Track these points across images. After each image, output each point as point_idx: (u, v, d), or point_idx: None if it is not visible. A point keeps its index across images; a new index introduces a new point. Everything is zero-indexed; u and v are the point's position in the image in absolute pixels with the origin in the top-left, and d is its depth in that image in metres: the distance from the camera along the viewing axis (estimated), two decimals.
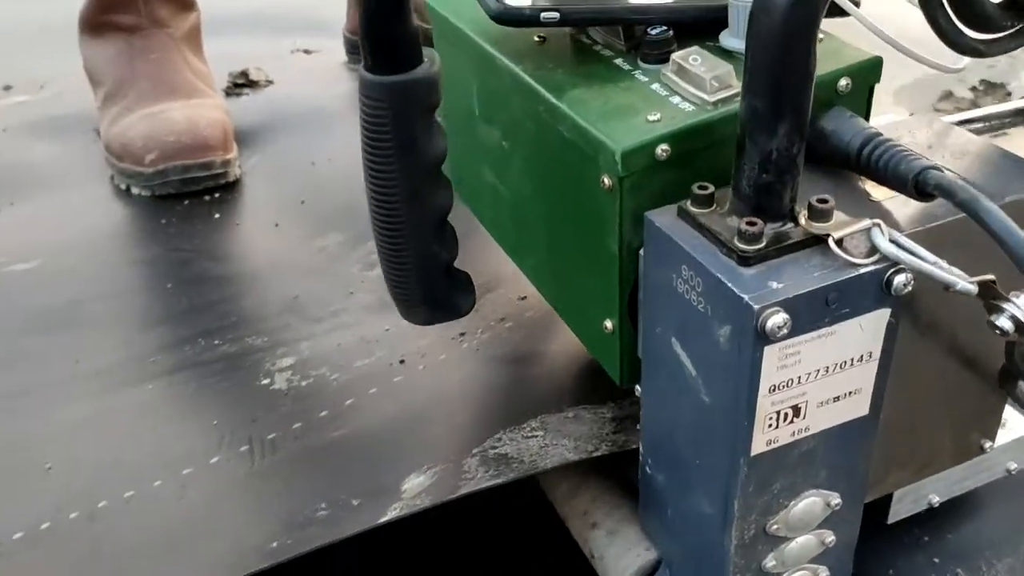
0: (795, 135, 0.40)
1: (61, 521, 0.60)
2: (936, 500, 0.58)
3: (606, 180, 0.47)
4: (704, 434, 0.46)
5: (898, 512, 0.58)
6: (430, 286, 0.52)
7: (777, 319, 0.39)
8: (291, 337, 0.76)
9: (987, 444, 0.56)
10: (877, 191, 0.46)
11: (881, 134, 0.45)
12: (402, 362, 0.71)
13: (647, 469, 0.54)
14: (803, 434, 0.45)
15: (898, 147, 0.44)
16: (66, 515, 0.60)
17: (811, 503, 0.48)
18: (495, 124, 0.59)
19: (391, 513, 0.56)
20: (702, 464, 0.47)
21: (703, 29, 0.52)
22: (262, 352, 0.75)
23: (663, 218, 0.45)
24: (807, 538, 0.49)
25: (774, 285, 0.40)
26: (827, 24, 0.51)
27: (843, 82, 0.48)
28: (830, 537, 0.50)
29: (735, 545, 0.47)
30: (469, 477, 0.58)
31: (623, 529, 0.59)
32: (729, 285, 0.40)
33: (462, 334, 0.73)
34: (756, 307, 0.39)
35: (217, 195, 0.99)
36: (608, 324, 0.52)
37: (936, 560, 0.60)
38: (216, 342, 0.76)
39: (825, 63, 0.48)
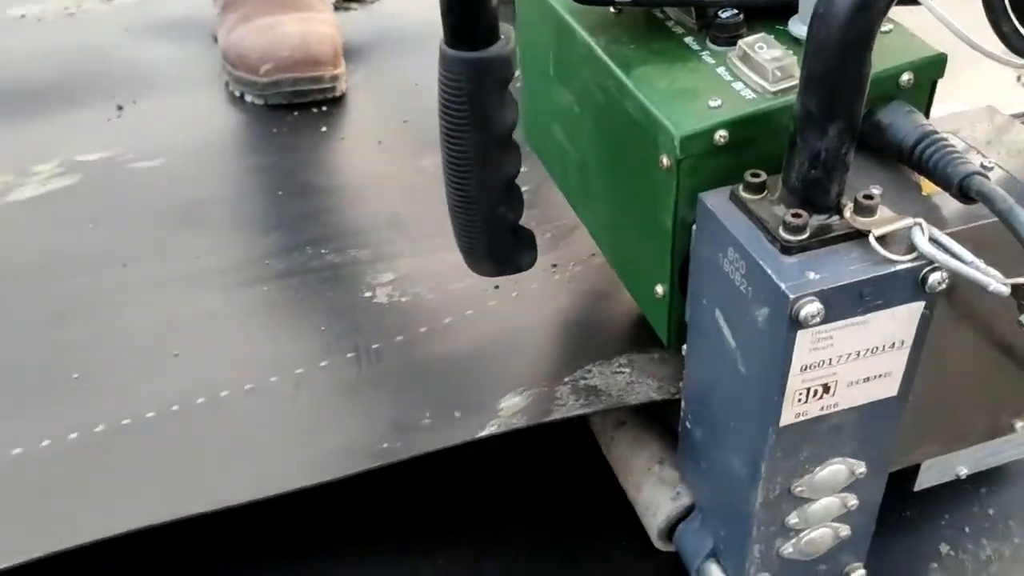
0: (845, 136, 0.43)
1: (188, 405, 0.66)
2: (964, 472, 0.61)
3: (664, 160, 0.49)
4: (738, 401, 0.50)
5: (924, 481, 0.61)
6: (496, 244, 0.56)
7: (811, 308, 0.42)
8: (391, 253, 0.81)
9: (1019, 424, 0.58)
10: (929, 185, 0.48)
11: (936, 132, 0.47)
12: (496, 288, 0.75)
13: (687, 423, 0.58)
14: (832, 409, 0.48)
15: (948, 148, 0.46)
16: (193, 399, 0.67)
17: (836, 470, 0.51)
18: (568, 88, 0.62)
19: (489, 428, 0.61)
20: (735, 427, 0.51)
21: (775, 13, 0.53)
22: (365, 265, 0.79)
23: (715, 200, 0.48)
24: (830, 500, 0.53)
25: (811, 276, 0.43)
26: (896, 12, 0.53)
27: (905, 77, 0.50)
28: (853, 500, 0.54)
29: (760, 502, 0.51)
30: (561, 403, 0.62)
31: (662, 473, 0.63)
32: (769, 272, 0.43)
33: (554, 266, 0.76)
34: (792, 296, 0.42)
35: (324, 108, 1.03)
36: (659, 289, 0.55)
37: (991, 511, 0.63)
38: (323, 251, 0.81)
39: (889, 56, 0.50)
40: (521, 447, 0.66)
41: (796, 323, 0.43)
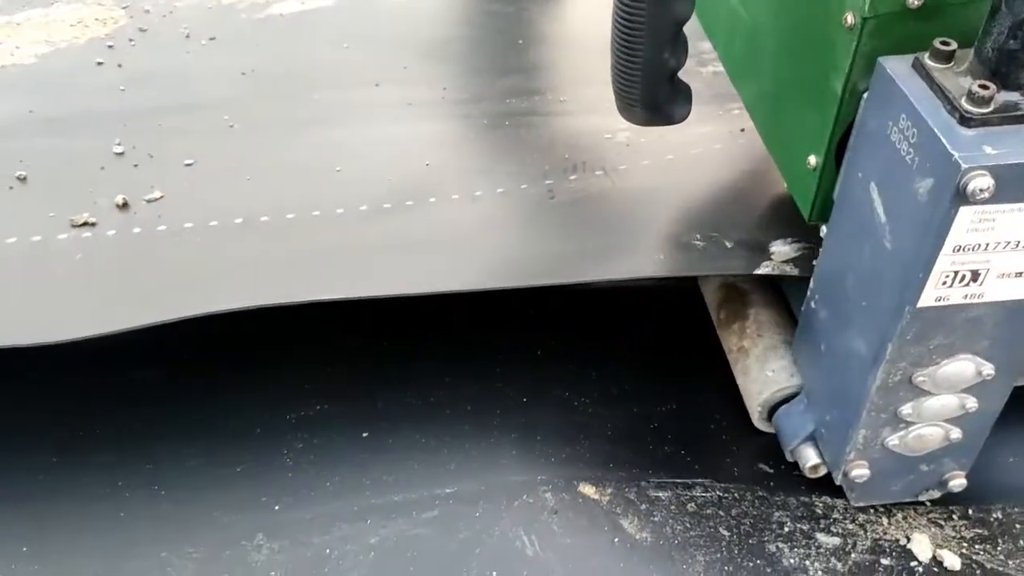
0: None
1: (437, 199, 0.70)
2: None
3: (849, 18, 0.47)
4: (877, 279, 0.49)
5: None
6: (653, 90, 0.55)
7: (981, 182, 0.40)
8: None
9: None
10: None
11: None
12: (742, 130, 0.76)
13: (812, 304, 0.57)
14: (976, 299, 0.46)
15: None
16: (440, 197, 0.70)
17: (963, 366, 0.50)
18: None
19: (763, 268, 0.62)
20: (868, 306, 0.50)
21: None
22: (603, 114, 0.76)
23: (896, 66, 0.46)
24: (949, 398, 0.52)
25: (988, 150, 0.41)
26: None
27: None
28: (972, 403, 0.52)
29: (877, 386, 0.51)
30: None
31: (772, 353, 0.63)
32: (943, 140, 0.42)
33: (742, 130, 0.76)
34: (964, 166, 0.41)
35: None
36: (812, 160, 0.54)
37: None
38: (561, 98, 0.82)
39: None
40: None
41: (962, 196, 0.41)
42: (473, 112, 0.81)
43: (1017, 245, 0.44)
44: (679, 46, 0.54)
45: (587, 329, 0.73)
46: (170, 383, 0.68)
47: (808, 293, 0.58)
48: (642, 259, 0.64)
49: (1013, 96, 0.43)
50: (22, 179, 0.73)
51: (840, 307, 0.54)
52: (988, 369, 0.50)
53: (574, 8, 1.00)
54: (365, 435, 0.64)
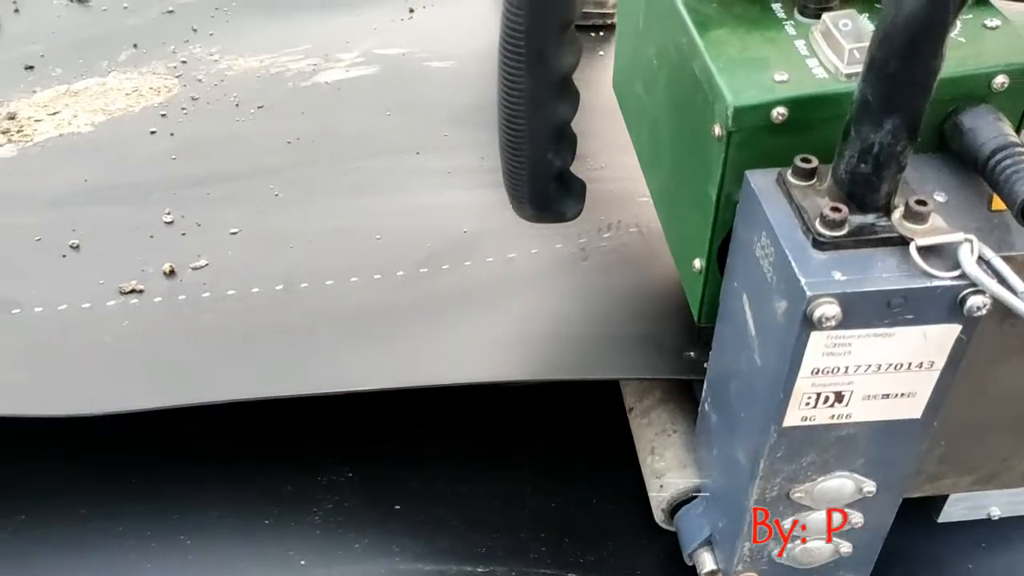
0: (901, 133, 0.39)
1: (473, 263, 0.72)
2: (996, 514, 0.58)
3: (717, 129, 0.47)
4: (750, 392, 0.48)
5: (951, 514, 0.58)
6: (539, 189, 0.54)
7: (826, 310, 0.39)
8: None
9: None
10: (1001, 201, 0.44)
11: (1019, 145, 0.43)
12: None
13: (706, 405, 0.56)
14: (843, 420, 0.45)
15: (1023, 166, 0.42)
16: (475, 260, 0.73)
17: (842, 483, 0.49)
18: (652, 42, 0.59)
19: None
20: (745, 417, 0.49)
21: None
22: (635, 180, 0.75)
23: (761, 180, 0.45)
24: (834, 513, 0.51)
25: (837, 276, 0.40)
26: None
27: (999, 80, 0.45)
28: (857, 518, 0.51)
29: (755, 499, 0.49)
30: None
31: (677, 449, 0.62)
32: (793, 264, 0.41)
33: None
34: (809, 293, 0.40)
35: (602, 33, 1.04)
36: (697, 263, 0.53)
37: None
38: (601, 164, 0.81)
39: (985, 55, 0.46)
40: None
41: (810, 323, 0.40)
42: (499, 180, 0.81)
43: (879, 369, 0.43)
44: (563, 146, 0.53)
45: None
46: (204, 437, 0.69)
47: (703, 394, 0.57)
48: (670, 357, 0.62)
49: (868, 218, 0.42)
50: (75, 247, 0.76)
51: (725, 414, 0.53)
52: (869, 486, 0.49)
53: (609, 77, 0.99)
54: (397, 507, 0.65)
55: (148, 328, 0.68)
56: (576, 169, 0.64)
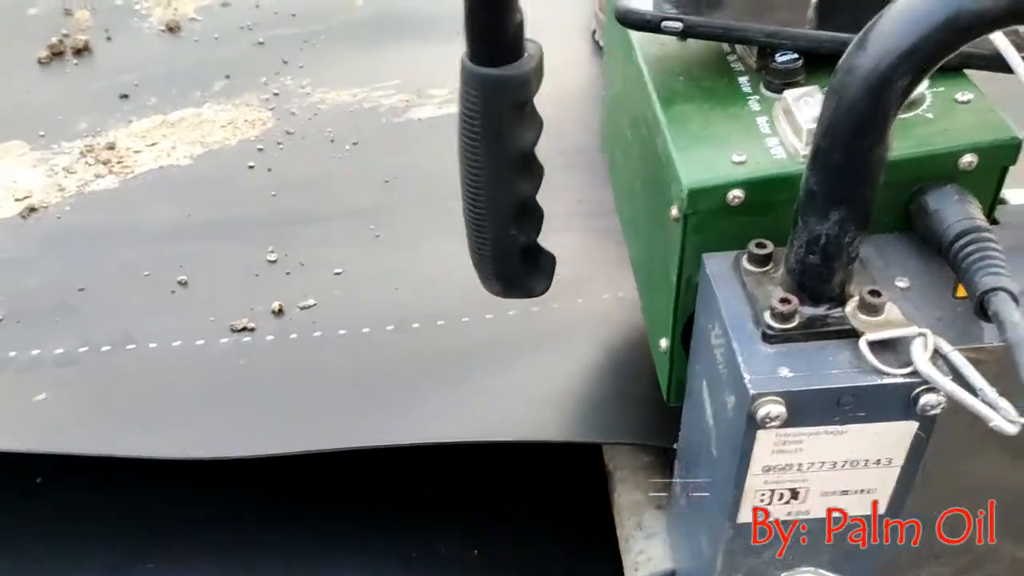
0: (849, 224, 0.38)
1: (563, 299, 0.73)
2: None
3: (674, 211, 0.46)
4: (712, 483, 0.46)
5: None
6: (504, 265, 0.53)
7: (770, 409, 0.38)
8: None
9: None
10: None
11: (982, 229, 0.41)
12: None
13: (676, 486, 0.54)
14: (802, 516, 0.43)
15: (986, 251, 0.39)
16: (565, 298, 0.73)
17: None
18: (625, 111, 0.58)
19: None
20: (706, 508, 0.47)
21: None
22: None
23: (717, 265, 0.44)
24: None
25: (783, 372, 0.38)
26: (986, 79, 0.46)
27: (967, 159, 0.43)
28: None
29: None
30: None
31: (656, 528, 0.60)
32: (739, 359, 0.39)
33: None
34: (752, 392, 0.38)
35: None
36: (663, 343, 0.51)
37: None
38: None
39: (952, 133, 0.44)
40: None
41: (754, 422, 0.38)
42: (605, 226, 0.80)
43: (834, 466, 0.41)
44: (526, 222, 0.52)
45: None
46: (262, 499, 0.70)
47: (674, 473, 0.55)
48: None
49: (820, 310, 0.40)
50: (183, 283, 0.78)
51: (691, 499, 0.51)
52: None
53: None
54: None
55: (266, 368, 0.69)
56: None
